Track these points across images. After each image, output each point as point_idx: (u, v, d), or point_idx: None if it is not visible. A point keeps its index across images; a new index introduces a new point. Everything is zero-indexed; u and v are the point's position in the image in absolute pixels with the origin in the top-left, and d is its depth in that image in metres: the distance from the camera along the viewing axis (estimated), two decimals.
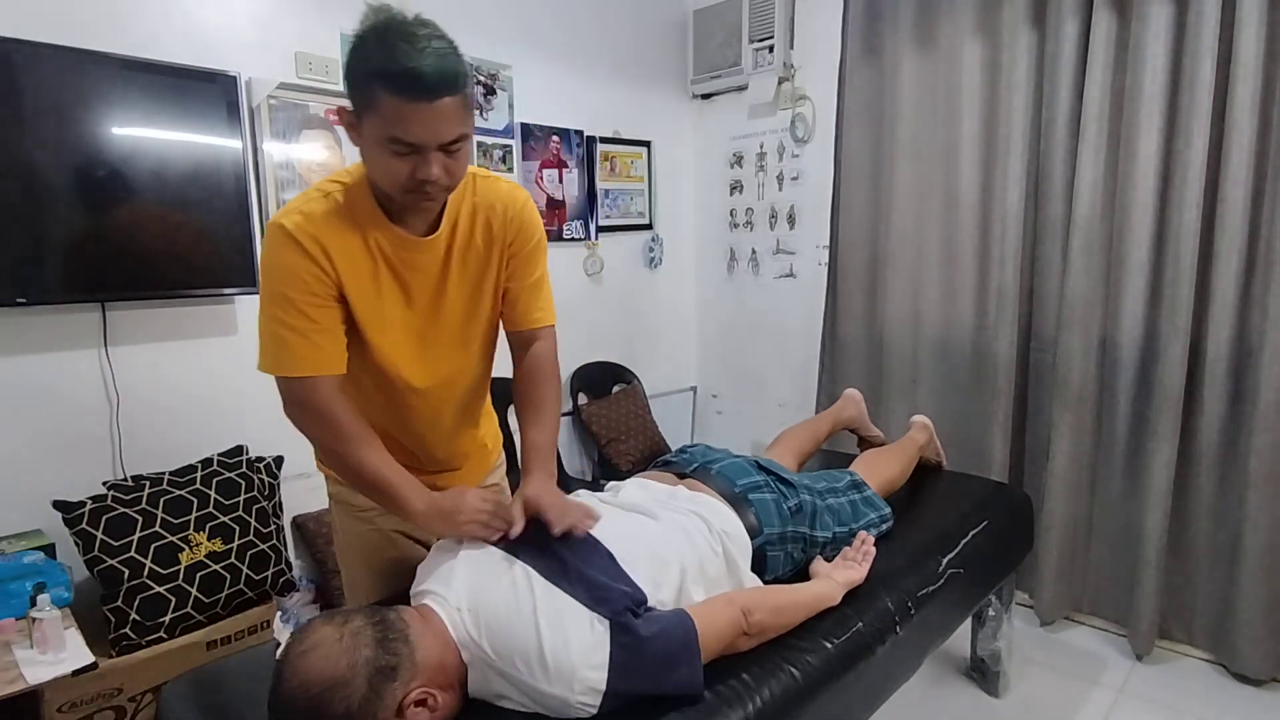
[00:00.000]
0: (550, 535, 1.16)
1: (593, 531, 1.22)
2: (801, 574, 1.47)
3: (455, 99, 1.03)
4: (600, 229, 3.23)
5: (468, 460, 1.43)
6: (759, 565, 1.40)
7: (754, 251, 3.42)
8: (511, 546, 1.15)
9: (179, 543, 1.87)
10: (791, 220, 3.26)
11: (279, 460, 2.22)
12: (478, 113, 2.75)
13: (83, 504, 1.80)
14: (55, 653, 1.51)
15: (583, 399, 3.21)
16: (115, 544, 1.79)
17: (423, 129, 1.02)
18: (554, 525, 1.15)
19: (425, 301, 1.23)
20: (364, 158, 1.11)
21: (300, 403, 1.15)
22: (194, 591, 1.86)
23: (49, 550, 1.79)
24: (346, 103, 1.09)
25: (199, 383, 2.17)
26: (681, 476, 1.54)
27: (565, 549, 1.15)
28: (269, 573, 2.02)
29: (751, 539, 1.40)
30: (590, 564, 1.13)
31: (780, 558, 1.44)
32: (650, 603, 1.14)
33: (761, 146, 3.31)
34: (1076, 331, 2.31)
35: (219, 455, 2.10)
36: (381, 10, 1.04)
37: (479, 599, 1.07)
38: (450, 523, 1.17)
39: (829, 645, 1.28)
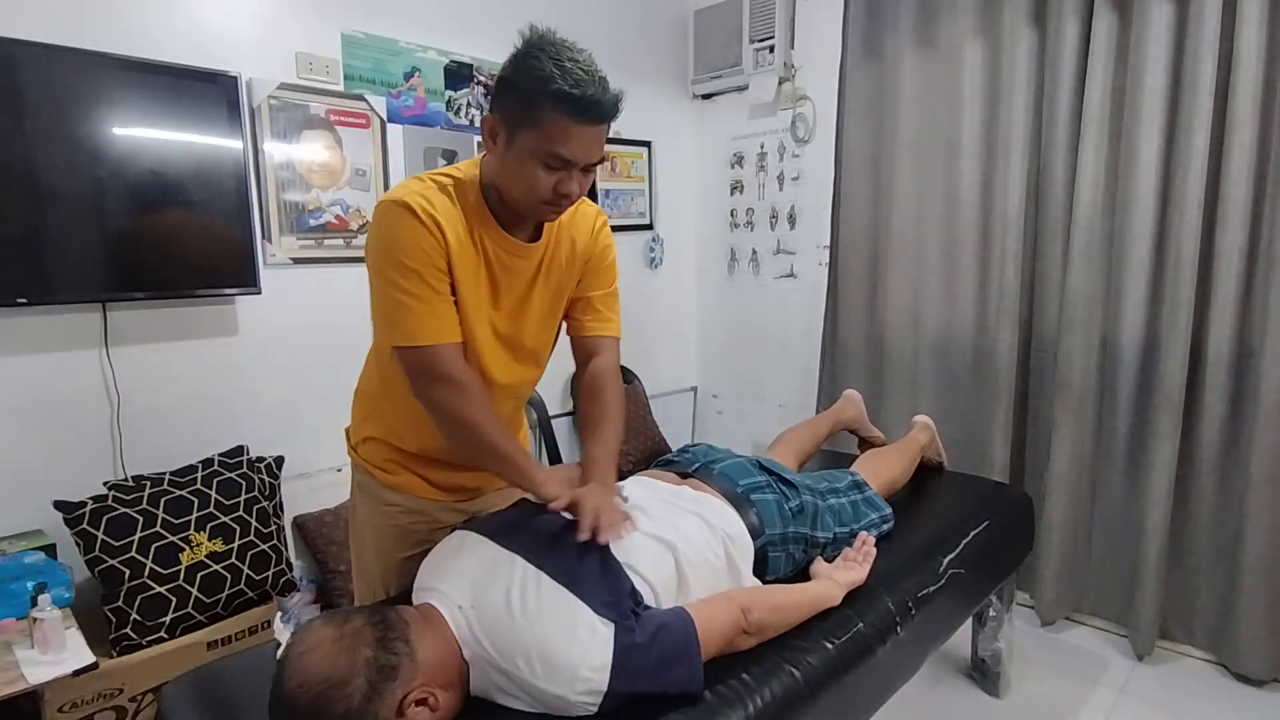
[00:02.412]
0: (554, 534, 1.17)
1: None
2: (802, 574, 1.47)
3: (608, 125, 1.13)
4: None
5: None
6: (760, 566, 1.40)
7: (754, 252, 3.42)
8: (516, 545, 1.15)
9: (180, 543, 1.87)
10: (792, 220, 3.26)
11: (279, 460, 2.22)
12: (478, 114, 2.75)
13: (83, 504, 1.80)
14: (56, 653, 1.51)
15: None
16: (116, 544, 1.79)
17: (582, 149, 1.11)
18: (582, 528, 1.14)
19: (511, 304, 1.28)
20: (502, 165, 1.15)
21: (433, 372, 1.16)
22: (194, 591, 1.86)
23: (50, 550, 1.79)
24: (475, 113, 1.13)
25: (200, 383, 2.17)
26: (684, 476, 1.54)
27: (569, 548, 1.15)
28: (269, 573, 2.02)
29: (753, 539, 1.39)
30: (593, 563, 1.13)
31: (782, 558, 1.44)
32: (649, 601, 1.14)
33: (762, 147, 3.31)
34: (1077, 332, 2.31)
35: (219, 455, 2.10)
36: (544, 33, 1.11)
37: (482, 597, 1.07)
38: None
39: (830, 645, 1.28)
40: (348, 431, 1.48)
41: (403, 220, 1.13)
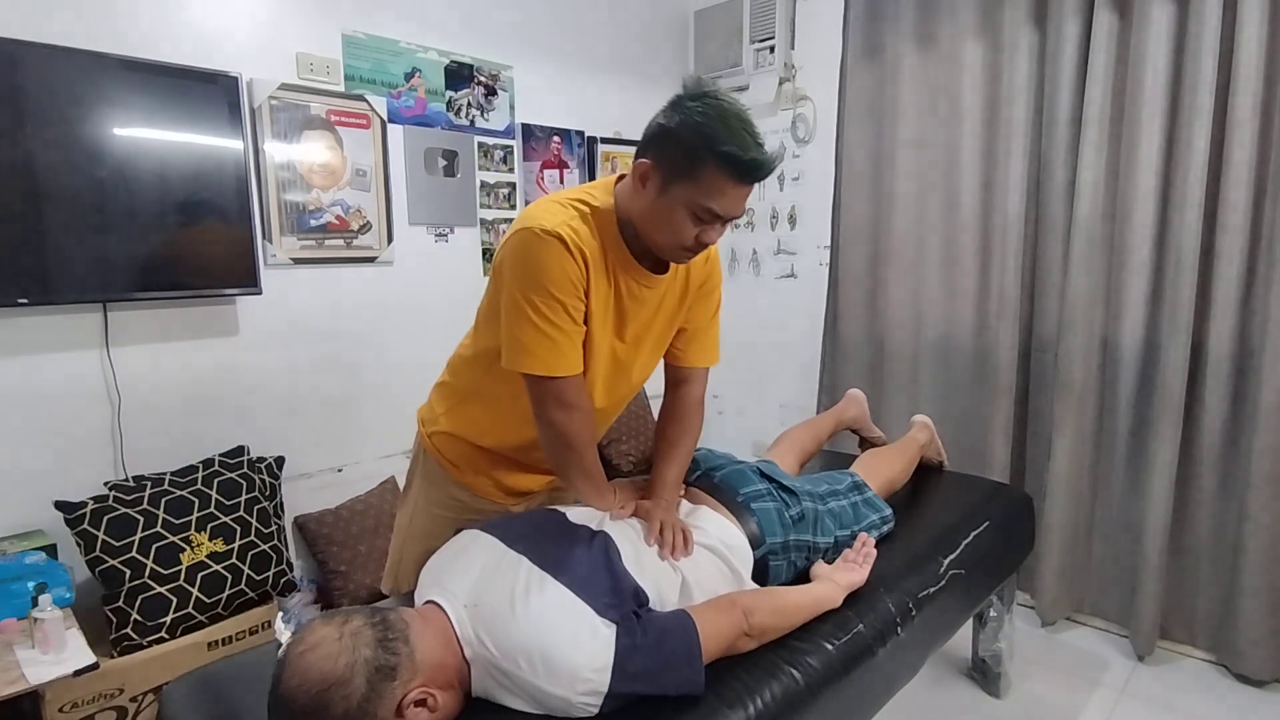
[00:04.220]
0: (560, 535, 1.19)
1: (604, 529, 1.23)
2: (803, 580, 1.47)
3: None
4: None
5: None
6: (761, 575, 1.40)
7: (755, 252, 3.42)
8: (522, 546, 1.15)
9: (180, 543, 1.87)
10: (792, 220, 3.26)
11: (280, 460, 2.22)
12: (479, 114, 2.75)
13: (84, 504, 1.80)
14: (56, 653, 1.51)
15: None
16: (117, 544, 1.79)
17: (736, 205, 1.14)
18: (650, 533, 1.26)
19: (634, 333, 1.31)
20: (649, 208, 1.17)
21: (561, 400, 1.21)
22: (195, 592, 1.86)
23: (50, 550, 1.79)
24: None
25: (200, 383, 2.17)
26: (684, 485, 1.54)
27: (574, 550, 1.16)
28: (270, 573, 2.02)
29: (753, 549, 1.40)
30: (597, 565, 1.13)
31: (783, 566, 1.44)
32: (654, 603, 1.14)
33: None
34: (1078, 332, 2.31)
35: (220, 455, 2.10)
36: (706, 86, 1.14)
37: (485, 597, 1.08)
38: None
39: (830, 646, 1.28)
40: (421, 416, 1.48)
41: (553, 250, 1.14)
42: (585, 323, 1.20)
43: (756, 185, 1.20)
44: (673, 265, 1.30)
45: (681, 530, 1.29)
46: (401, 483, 2.59)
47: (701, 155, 1.09)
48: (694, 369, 1.44)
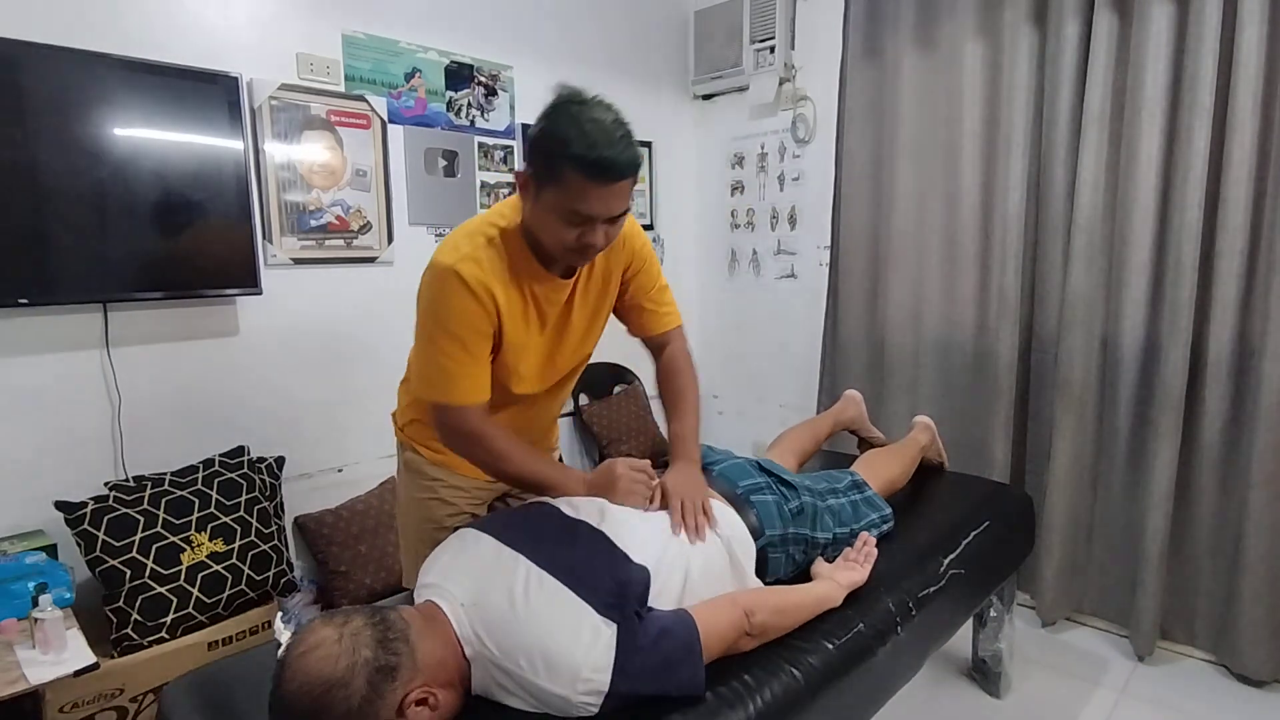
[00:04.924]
0: (559, 533, 1.19)
1: (603, 528, 1.22)
2: (803, 575, 1.47)
3: (631, 179, 1.17)
4: None
5: (544, 441, 1.63)
6: (760, 567, 1.40)
7: (755, 252, 3.42)
8: (520, 544, 1.15)
9: (180, 543, 1.87)
10: (793, 221, 3.26)
11: (280, 461, 2.22)
12: (479, 114, 2.75)
13: (84, 504, 1.81)
14: (57, 653, 1.51)
15: (584, 400, 3.21)
16: (117, 544, 1.79)
17: (601, 205, 1.16)
18: (674, 524, 1.29)
19: (553, 327, 1.38)
20: (531, 216, 1.23)
21: (458, 428, 1.29)
22: (195, 592, 1.86)
23: (51, 551, 1.79)
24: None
25: (201, 383, 2.17)
26: None
27: (574, 547, 1.16)
28: (270, 573, 2.02)
29: (754, 540, 1.40)
30: (598, 562, 1.13)
31: (782, 559, 1.44)
32: (654, 601, 1.14)
33: (762, 147, 3.31)
34: (1078, 332, 2.31)
35: (220, 456, 2.10)
36: (571, 92, 1.18)
37: (485, 596, 1.07)
38: (612, 494, 1.32)
39: (830, 646, 1.28)
40: (394, 416, 1.57)
41: (454, 290, 1.21)
42: (499, 337, 1.28)
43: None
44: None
45: (702, 505, 1.33)
46: None
47: (557, 160, 1.13)
48: (667, 333, 1.51)
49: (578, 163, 1.12)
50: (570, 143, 1.11)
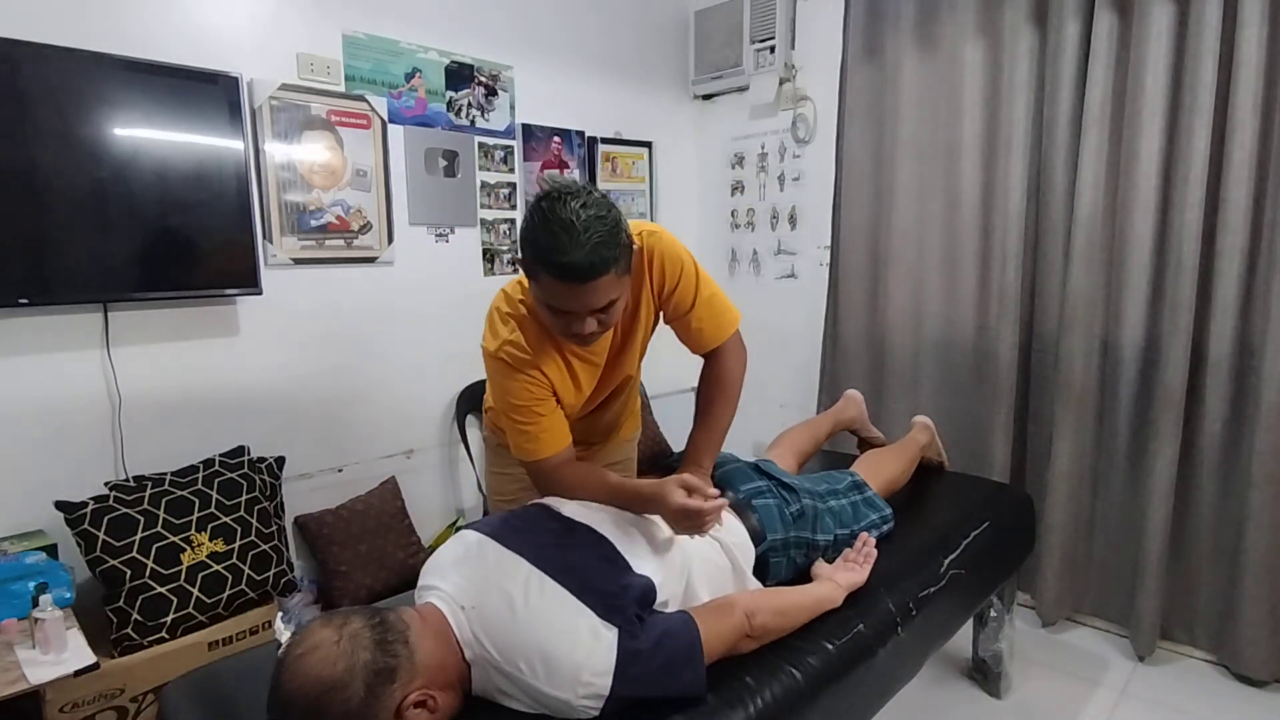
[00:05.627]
0: (560, 536, 1.19)
1: (604, 532, 1.23)
2: (803, 577, 1.47)
3: (607, 277, 1.17)
4: None
5: (619, 434, 1.74)
6: (761, 571, 1.40)
7: (755, 252, 3.42)
8: (521, 547, 1.15)
9: (181, 543, 1.87)
10: (793, 221, 3.26)
11: (280, 461, 2.22)
12: (479, 114, 2.75)
13: (85, 504, 1.80)
14: (57, 653, 1.51)
15: None
16: (117, 544, 1.79)
17: (576, 303, 1.19)
18: (670, 525, 1.28)
19: (588, 377, 1.46)
20: (534, 301, 1.29)
21: (545, 476, 1.40)
22: (195, 592, 1.86)
23: (51, 550, 1.79)
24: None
25: (201, 383, 2.17)
26: None
27: (575, 551, 1.16)
28: (270, 573, 2.02)
29: (755, 545, 1.40)
30: (600, 567, 1.13)
31: (783, 563, 1.44)
32: (656, 603, 1.14)
33: (763, 147, 3.31)
34: (1078, 332, 2.31)
35: (221, 456, 2.10)
36: (554, 189, 1.18)
37: (485, 598, 1.07)
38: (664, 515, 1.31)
39: (830, 646, 1.28)
40: (486, 407, 1.68)
41: (505, 373, 1.36)
42: (557, 394, 1.39)
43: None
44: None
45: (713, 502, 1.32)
46: (402, 483, 2.61)
47: (532, 261, 1.18)
48: (715, 349, 1.52)
49: (546, 266, 1.15)
50: (538, 246, 1.15)
